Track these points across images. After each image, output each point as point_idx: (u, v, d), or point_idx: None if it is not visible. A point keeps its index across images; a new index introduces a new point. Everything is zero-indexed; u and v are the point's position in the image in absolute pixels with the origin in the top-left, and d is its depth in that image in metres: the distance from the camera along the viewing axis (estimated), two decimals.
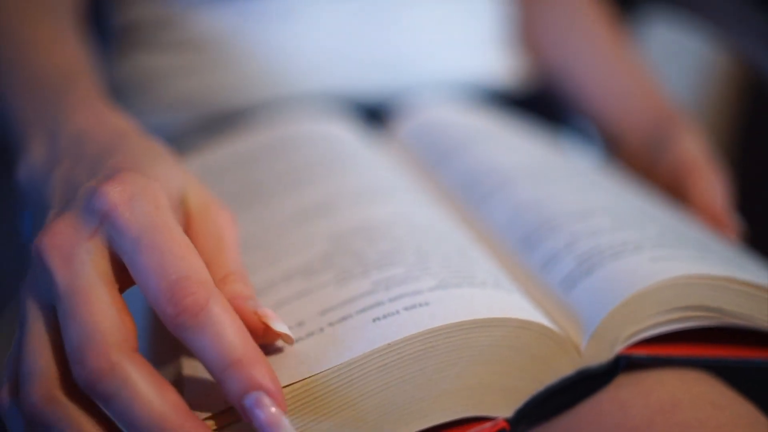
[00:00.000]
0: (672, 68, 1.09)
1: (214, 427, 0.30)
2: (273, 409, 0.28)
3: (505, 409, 0.35)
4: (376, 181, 0.47)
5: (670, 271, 0.35)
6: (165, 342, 0.37)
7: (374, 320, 0.33)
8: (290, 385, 0.31)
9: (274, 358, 0.33)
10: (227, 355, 0.28)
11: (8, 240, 0.78)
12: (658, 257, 0.37)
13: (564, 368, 0.35)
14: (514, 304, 0.35)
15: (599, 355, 0.35)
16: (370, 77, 0.64)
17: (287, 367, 0.32)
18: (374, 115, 0.63)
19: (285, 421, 0.28)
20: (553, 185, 0.46)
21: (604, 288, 0.36)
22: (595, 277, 0.37)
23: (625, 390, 0.36)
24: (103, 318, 0.29)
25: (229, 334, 0.29)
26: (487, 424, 0.35)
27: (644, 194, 0.49)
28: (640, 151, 0.62)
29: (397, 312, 0.33)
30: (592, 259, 0.38)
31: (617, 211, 0.43)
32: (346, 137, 0.54)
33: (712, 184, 0.53)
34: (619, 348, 0.36)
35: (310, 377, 0.31)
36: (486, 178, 0.49)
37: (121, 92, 0.67)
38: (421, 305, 0.34)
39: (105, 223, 0.30)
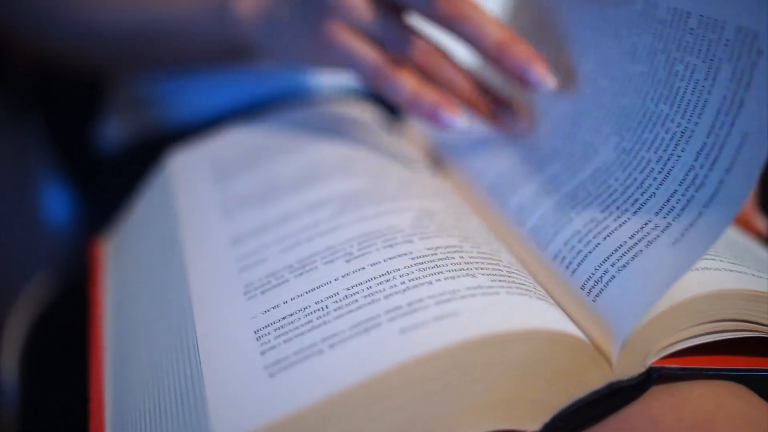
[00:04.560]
0: None
1: None
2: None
3: (532, 422, 0.34)
4: (400, 177, 0.45)
5: (708, 284, 0.34)
6: None
7: (402, 331, 0.32)
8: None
9: (294, 373, 0.32)
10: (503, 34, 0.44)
11: (25, 223, 0.77)
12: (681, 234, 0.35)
13: (594, 381, 0.34)
14: (546, 315, 0.33)
15: (630, 368, 0.34)
16: None
17: (310, 383, 0.31)
18: (393, 108, 0.61)
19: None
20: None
21: (632, 295, 0.34)
22: (622, 282, 0.35)
23: (657, 403, 0.34)
24: None
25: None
26: None
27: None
28: None
29: (427, 324, 0.32)
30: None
31: None
32: (367, 130, 0.52)
33: None
34: (651, 360, 0.34)
35: (333, 395, 0.30)
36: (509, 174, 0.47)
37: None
38: (452, 315, 0.32)
39: None
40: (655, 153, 0.38)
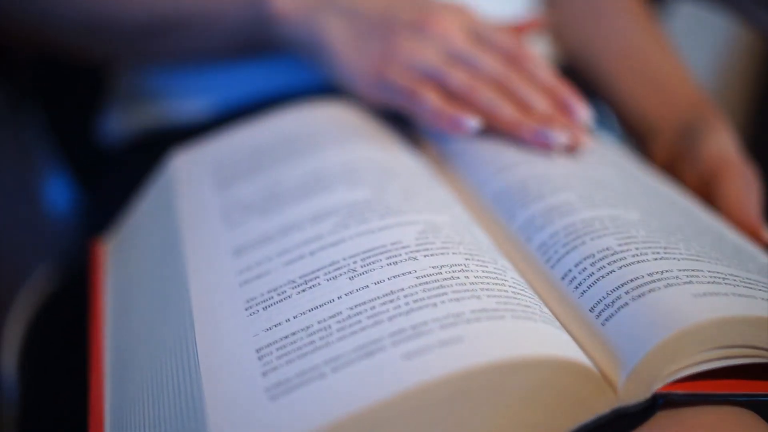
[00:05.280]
0: (694, 45, 1.06)
1: None
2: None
3: None
4: (405, 186, 0.45)
5: (716, 311, 0.34)
6: None
7: (405, 356, 0.32)
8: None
9: (295, 397, 0.31)
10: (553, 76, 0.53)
11: (27, 216, 0.77)
12: (703, 293, 0.35)
13: (599, 407, 0.34)
14: (552, 341, 0.33)
15: (636, 394, 0.34)
16: None
17: (311, 409, 0.31)
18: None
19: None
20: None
21: (645, 324, 0.34)
22: (635, 310, 0.35)
23: (662, 429, 0.34)
24: None
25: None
26: None
27: (677, 200, 0.47)
28: (671, 145, 0.58)
29: (431, 349, 0.32)
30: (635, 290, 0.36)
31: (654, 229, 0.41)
32: (372, 132, 0.52)
33: (747, 186, 0.50)
34: (657, 386, 0.34)
35: (334, 423, 0.30)
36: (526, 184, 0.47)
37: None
38: (456, 340, 0.32)
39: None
40: (686, 243, 0.39)
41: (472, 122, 0.50)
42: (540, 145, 0.49)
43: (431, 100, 0.51)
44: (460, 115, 0.50)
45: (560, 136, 0.49)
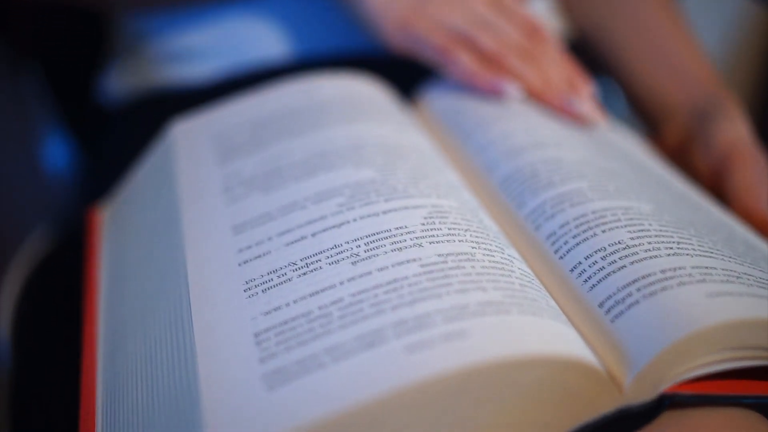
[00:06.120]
0: (702, 25, 1.03)
1: None
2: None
3: None
4: (412, 167, 0.44)
5: (727, 313, 0.33)
6: None
7: (408, 349, 0.31)
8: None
9: (293, 388, 0.30)
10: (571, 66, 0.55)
11: (25, 176, 0.76)
12: (716, 293, 0.34)
13: (604, 405, 0.33)
14: (559, 338, 0.32)
15: (642, 393, 0.33)
16: None
17: (309, 401, 0.30)
18: (401, 78, 0.59)
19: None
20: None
21: (656, 325, 0.33)
22: (646, 309, 0.34)
23: (667, 431, 0.33)
24: None
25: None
26: None
27: (688, 194, 0.46)
28: (683, 128, 0.57)
29: (434, 343, 0.31)
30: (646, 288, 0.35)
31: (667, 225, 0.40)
32: (379, 108, 0.50)
33: (759, 175, 0.48)
34: (663, 386, 0.33)
35: (333, 416, 0.29)
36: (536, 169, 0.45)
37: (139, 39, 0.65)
38: (460, 335, 0.31)
39: None
40: (699, 239, 0.38)
41: (514, 90, 0.52)
42: (564, 111, 0.52)
43: (465, 60, 0.52)
44: (500, 80, 0.52)
45: (583, 105, 0.52)
